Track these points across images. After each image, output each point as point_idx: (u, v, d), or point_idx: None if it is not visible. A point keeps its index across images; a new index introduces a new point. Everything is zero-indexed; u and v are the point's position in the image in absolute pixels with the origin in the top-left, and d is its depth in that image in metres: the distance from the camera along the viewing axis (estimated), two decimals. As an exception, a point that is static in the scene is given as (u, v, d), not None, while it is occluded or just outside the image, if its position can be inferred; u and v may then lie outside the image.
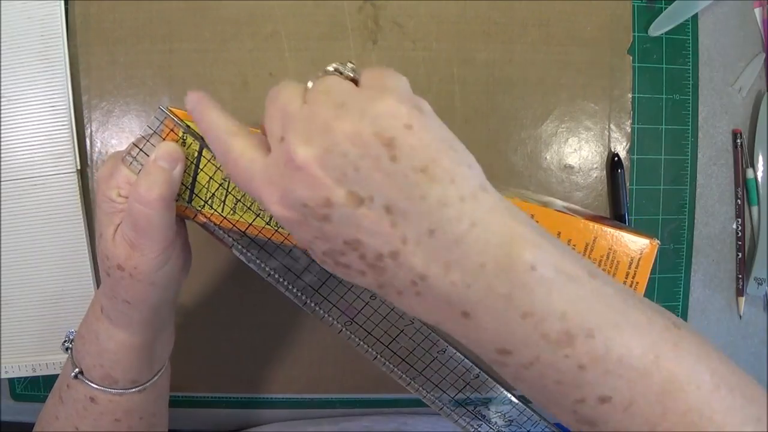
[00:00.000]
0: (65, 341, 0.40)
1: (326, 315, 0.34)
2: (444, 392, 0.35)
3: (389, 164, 0.22)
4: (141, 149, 0.32)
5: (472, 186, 0.23)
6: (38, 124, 0.50)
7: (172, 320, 0.39)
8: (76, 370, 0.36)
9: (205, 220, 0.33)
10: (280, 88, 0.25)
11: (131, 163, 0.31)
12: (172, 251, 0.32)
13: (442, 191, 0.22)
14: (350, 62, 0.25)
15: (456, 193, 0.23)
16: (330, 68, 0.25)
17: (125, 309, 0.33)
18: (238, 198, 0.32)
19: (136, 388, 0.36)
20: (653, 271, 0.57)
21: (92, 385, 0.35)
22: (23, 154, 0.50)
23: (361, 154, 0.22)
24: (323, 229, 0.23)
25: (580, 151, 0.55)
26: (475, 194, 0.23)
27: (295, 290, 0.33)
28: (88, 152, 0.52)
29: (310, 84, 0.25)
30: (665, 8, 0.55)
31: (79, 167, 0.51)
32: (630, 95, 0.56)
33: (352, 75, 0.25)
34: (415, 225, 0.22)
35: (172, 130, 0.32)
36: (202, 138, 0.31)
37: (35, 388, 0.54)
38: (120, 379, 0.36)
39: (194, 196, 0.32)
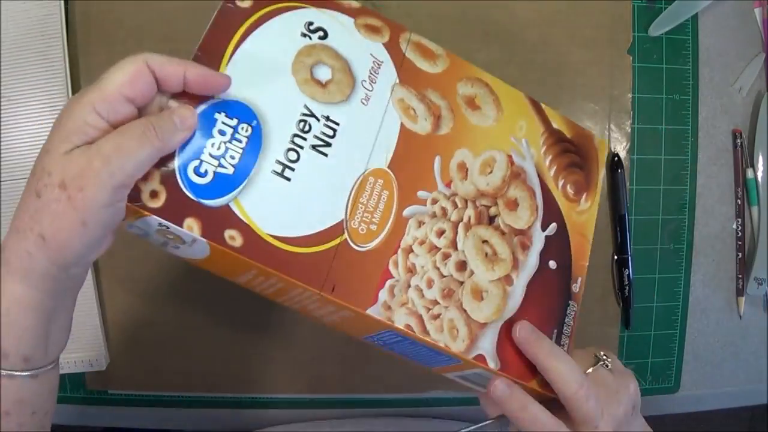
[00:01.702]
0: None
1: None
2: None
3: (631, 417, 0.37)
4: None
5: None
6: (38, 124, 0.50)
7: (73, 306, 0.33)
8: None
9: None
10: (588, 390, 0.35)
11: None
12: (124, 195, 0.29)
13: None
14: (604, 354, 0.38)
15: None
16: (598, 365, 0.38)
17: (34, 249, 0.28)
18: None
19: (29, 372, 0.31)
20: (653, 271, 0.57)
21: None
22: (23, 154, 0.50)
23: (625, 419, 0.37)
24: None
25: (580, 151, 0.56)
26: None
27: None
28: (88, 152, 0.52)
29: (590, 369, 0.37)
30: (665, 8, 0.55)
31: (79, 167, 0.51)
32: (630, 95, 0.56)
33: (609, 367, 0.38)
34: None
35: None
36: None
37: (35, 388, 0.54)
38: (11, 353, 0.30)
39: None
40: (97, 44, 0.51)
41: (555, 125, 0.43)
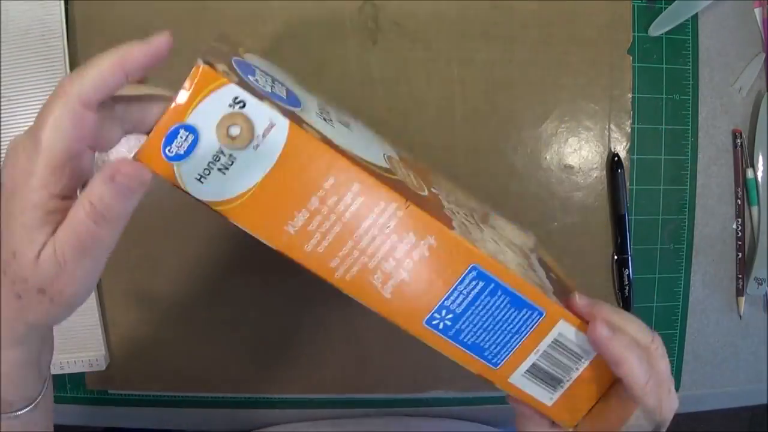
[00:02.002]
0: None
1: None
2: None
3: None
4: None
5: None
6: (38, 124, 0.50)
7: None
8: None
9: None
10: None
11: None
12: (103, 263, 0.28)
13: None
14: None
15: None
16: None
17: (23, 330, 0.29)
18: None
19: (30, 406, 0.32)
20: (653, 271, 0.57)
21: None
22: (23, 154, 0.50)
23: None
24: None
25: (580, 151, 0.55)
26: None
27: None
28: (88, 152, 0.52)
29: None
30: (665, 8, 0.55)
31: (79, 167, 0.51)
32: (630, 95, 0.56)
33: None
34: None
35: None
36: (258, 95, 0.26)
37: (35, 388, 0.54)
38: (15, 401, 0.31)
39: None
40: (97, 44, 0.51)
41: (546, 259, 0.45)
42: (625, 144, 0.56)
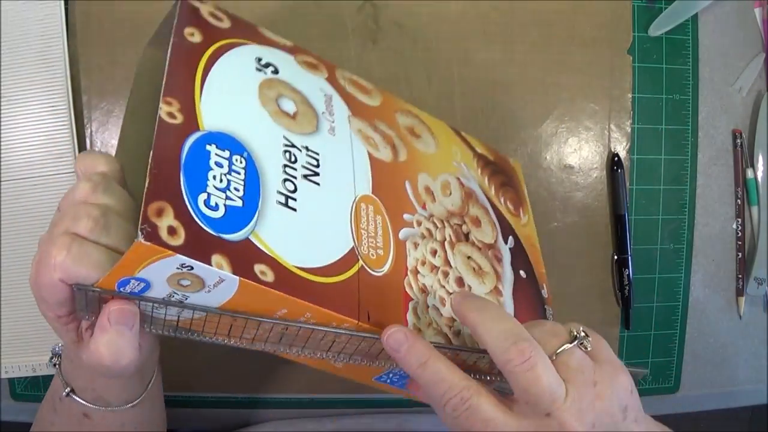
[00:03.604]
0: (52, 357, 0.39)
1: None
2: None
3: (622, 423, 0.29)
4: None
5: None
6: (38, 124, 0.50)
7: (158, 351, 0.38)
8: (68, 389, 0.35)
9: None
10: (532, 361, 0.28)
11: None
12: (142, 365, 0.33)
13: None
14: (584, 332, 0.30)
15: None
16: (572, 345, 0.30)
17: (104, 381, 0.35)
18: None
19: (129, 405, 0.36)
20: (653, 271, 0.57)
21: (85, 403, 0.35)
22: (23, 154, 0.50)
23: (612, 423, 0.29)
24: None
25: (580, 151, 0.56)
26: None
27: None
28: (88, 152, 0.52)
29: (560, 349, 0.29)
30: (665, 8, 0.55)
31: (79, 167, 0.51)
32: (630, 95, 0.56)
33: (589, 348, 0.30)
34: None
35: None
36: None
37: (35, 388, 0.54)
38: (113, 401, 0.36)
39: None
40: (97, 44, 0.51)
41: (479, 150, 0.45)
42: (625, 144, 0.56)
